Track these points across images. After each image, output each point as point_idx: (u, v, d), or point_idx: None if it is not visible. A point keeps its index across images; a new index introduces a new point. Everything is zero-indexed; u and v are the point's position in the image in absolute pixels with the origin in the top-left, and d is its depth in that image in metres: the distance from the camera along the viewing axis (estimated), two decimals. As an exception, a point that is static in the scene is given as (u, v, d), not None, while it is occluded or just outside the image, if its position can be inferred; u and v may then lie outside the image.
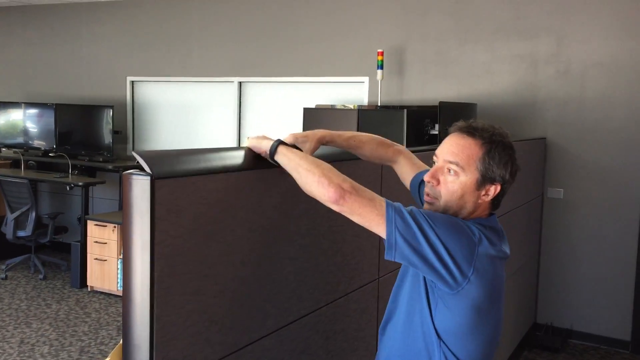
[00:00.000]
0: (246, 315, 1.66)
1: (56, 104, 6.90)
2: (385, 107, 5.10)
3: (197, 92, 6.58)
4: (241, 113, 6.38)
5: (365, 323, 2.29)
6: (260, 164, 1.65)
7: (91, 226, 5.72)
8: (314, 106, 5.25)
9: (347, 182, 1.45)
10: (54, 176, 6.39)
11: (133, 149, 6.95)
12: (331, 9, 5.76)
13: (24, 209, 6.02)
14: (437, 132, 4.52)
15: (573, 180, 4.88)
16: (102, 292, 5.73)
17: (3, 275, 6.10)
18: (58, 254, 6.86)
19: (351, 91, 5.77)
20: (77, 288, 5.84)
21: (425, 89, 5.35)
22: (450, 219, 1.51)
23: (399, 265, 2.52)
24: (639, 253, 4.67)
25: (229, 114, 6.41)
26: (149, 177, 1.32)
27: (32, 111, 7.14)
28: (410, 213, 1.45)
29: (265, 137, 1.64)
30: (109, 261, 5.62)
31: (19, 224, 6.08)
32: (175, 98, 6.72)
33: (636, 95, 4.62)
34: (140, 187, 1.34)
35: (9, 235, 6.10)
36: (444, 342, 1.54)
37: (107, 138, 6.65)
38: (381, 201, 1.46)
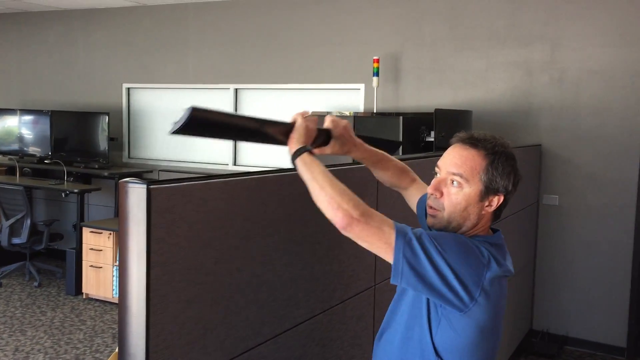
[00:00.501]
0: (242, 323, 1.65)
1: (52, 111, 6.89)
2: (381, 114, 5.11)
3: (193, 99, 6.57)
4: (237, 120, 6.37)
5: (362, 330, 2.28)
6: (254, 173, 1.65)
7: (86, 233, 5.70)
8: (310, 113, 5.25)
9: (357, 209, 1.42)
10: (49, 183, 6.37)
11: (129, 156, 6.95)
12: (327, 16, 5.78)
13: (19, 216, 6.01)
14: (432, 139, 4.54)
15: (568, 187, 4.89)
16: (97, 300, 5.71)
17: (-2, 283, 6.08)
18: (53, 261, 6.84)
19: (347, 98, 5.79)
20: (73, 295, 5.81)
21: (421, 96, 5.37)
22: (460, 240, 1.49)
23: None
24: (634, 259, 4.69)
25: (225, 121, 6.39)
26: (145, 185, 1.33)
27: (28, 118, 7.12)
28: (419, 240, 1.43)
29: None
30: (105, 268, 5.60)
31: (13, 231, 6.06)
32: (171, 105, 6.72)
33: (630, 103, 4.65)
34: (136, 195, 1.34)
35: (4, 242, 6.07)
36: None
37: (103, 145, 6.64)
38: (390, 229, 1.44)
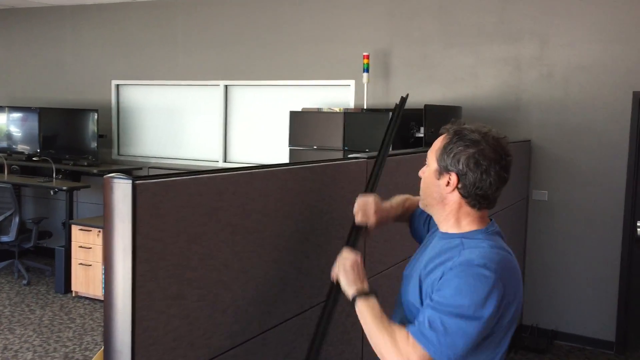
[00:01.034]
0: (229, 319, 1.65)
1: (40, 108, 6.84)
2: (371, 110, 5.11)
3: (182, 95, 6.55)
4: (227, 116, 6.36)
5: (351, 326, 2.28)
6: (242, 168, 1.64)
7: (75, 231, 5.67)
8: (300, 109, 5.25)
9: (415, 354, 1.46)
10: (38, 180, 6.32)
11: (118, 153, 6.92)
12: (317, 12, 5.77)
13: (7, 214, 5.96)
14: (422, 135, 4.54)
15: (557, 182, 4.91)
16: (86, 298, 5.68)
17: (-14, 281, 6.04)
18: (42, 259, 6.79)
19: (337, 94, 5.78)
20: (62, 293, 5.78)
21: (411, 92, 5.32)
22: (468, 281, 1.48)
23: (386, 268, 2.52)
24: (622, 254, 4.72)
25: (215, 118, 6.39)
26: (130, 181, 1.32)
27: (16, 115, 7.07)
28: (436, 331, 1.45)
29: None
30: (94, 266, 5.57)
31: (2, 229, 6.01)
32: (160, 101, 6.69)
33: (619, 98, 4.67)
34: (121, 191, 1.33)
35: (-8, 240, 6.04)
36: None
37: (92, 142, 6.60)
38: (417, 345, 1.46)
